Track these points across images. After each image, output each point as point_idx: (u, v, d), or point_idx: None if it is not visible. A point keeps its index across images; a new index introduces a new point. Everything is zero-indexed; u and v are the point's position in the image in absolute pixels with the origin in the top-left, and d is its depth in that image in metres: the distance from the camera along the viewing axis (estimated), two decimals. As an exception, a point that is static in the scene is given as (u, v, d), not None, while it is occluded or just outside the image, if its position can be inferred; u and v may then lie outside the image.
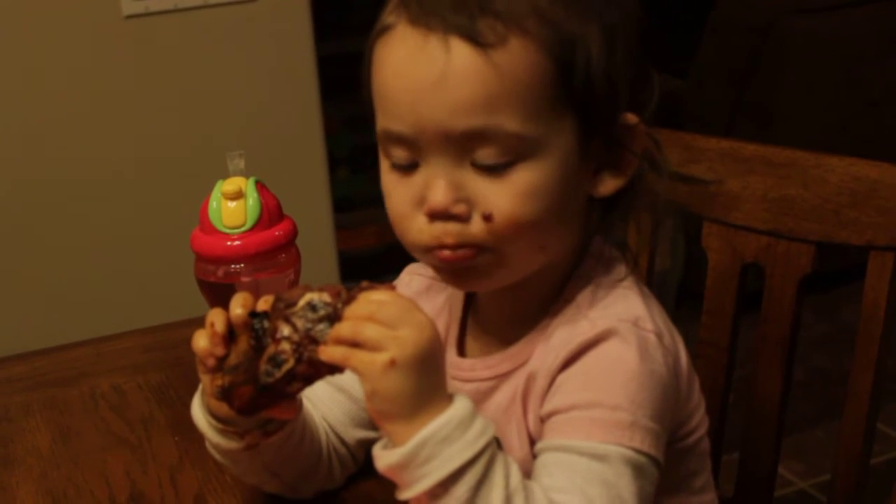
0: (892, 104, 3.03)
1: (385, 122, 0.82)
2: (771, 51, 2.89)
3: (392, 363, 0.73)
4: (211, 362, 0.82)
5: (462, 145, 0.79)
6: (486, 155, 0.79)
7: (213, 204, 1.09)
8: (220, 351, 0.81)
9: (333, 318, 0.76)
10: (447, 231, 0.81)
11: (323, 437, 0.96)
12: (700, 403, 0.92)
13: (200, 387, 0.88)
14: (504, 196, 0.80)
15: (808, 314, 3.08)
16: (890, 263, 1.07)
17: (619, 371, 0.81)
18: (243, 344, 0.79)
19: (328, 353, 0.75)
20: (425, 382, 0.74)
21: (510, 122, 0.78)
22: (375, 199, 0.86)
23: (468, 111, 0.78)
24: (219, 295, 1.12)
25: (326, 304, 0.76)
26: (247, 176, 1.11)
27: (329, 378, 0.95)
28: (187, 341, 1.27)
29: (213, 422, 0.88)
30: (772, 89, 2.90)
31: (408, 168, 0.82)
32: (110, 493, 1.01)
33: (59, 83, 2.02)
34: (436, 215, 0.81)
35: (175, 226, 1.31)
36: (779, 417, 1.19)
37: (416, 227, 0.82)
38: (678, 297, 2.92)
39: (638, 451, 0.79)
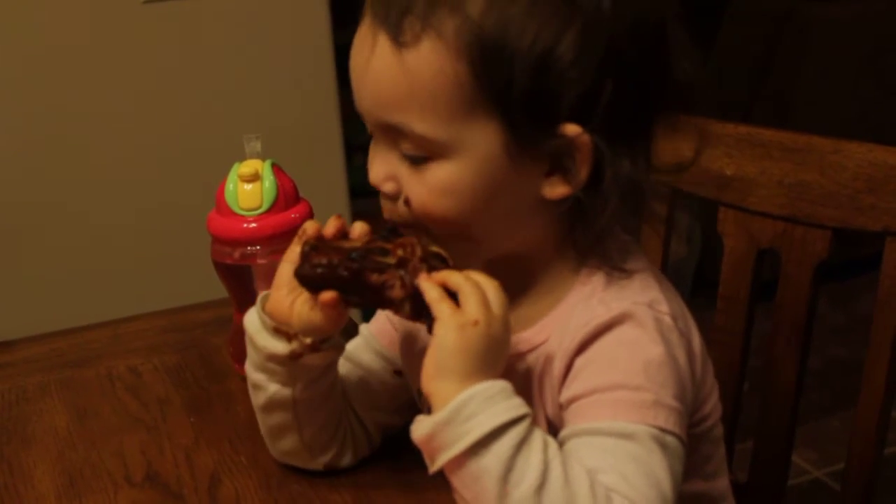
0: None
1: None
2: (790, 39, 2.88)
3: (476, 323, 0.77)
4: (312, 230, 0.86)
5: (386, 133, 0.83)
6: (405, 147, 0.83)
7: (229, 186, 1.09)
8: (328, 232, 0.86)
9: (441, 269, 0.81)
10: (384, 205, 0.87)
11: (343, 408, 0.98)
12: (714, 389, 0.93)
13: (260, 298, 0.92)
14: (419, 187, 0.83)
15: (824, 303, 3.08)
16: (906, 249, 1.06)
17: (638, 353, 0.81)
18: (354, 243, 0.85)
19: (427, 284, 0.80)
20: (488, 355, 0.78)
21: (417, 124, 0.81)
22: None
23: (381, 106, 0.82)
24: (235, 277, 1.13)
25: (449, 265, 0.82)
26: (263, 159, 1.11)
27: (352, 359, 0.97)
28: (203, 324, 1.31)
29: (267, 320, 0.90)
30: (791, 77, 2.89)
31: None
32: (126, 473, 1.01)
33: (78, 68, 2.03)
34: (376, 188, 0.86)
35: (192, 208, 1.31)
36: (794, 405, 1.19)
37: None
38: (694, 285, 2.91)
39: (663, 430, 0.79)
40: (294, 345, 0.90)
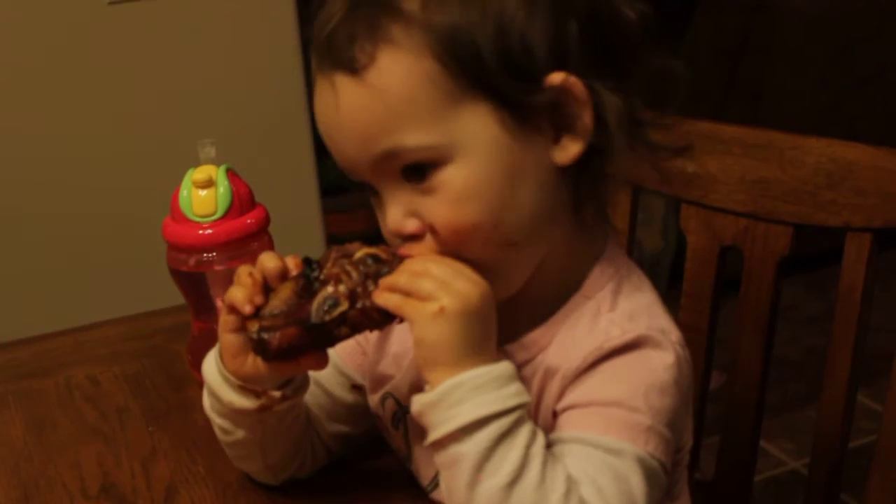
0: (884, 83, 3.01)
1: None
2: (762, 29, 2.88)
3: (441, 311, 0.75)
4: (249, 309, 0.82)
5: (383, 168, 0.79)
6: (407, 171, 0.79)
7: (183, 192, 1.08)
8: (259, 299, 0.83)
9: (387, 273, 0.79)
10: (411, 249, 0.81)
11: (306, 429, 0.97)
12: (691, 417, 0.91)
13: (217, 347, 0.89)
14: (438, 206, 0.79)
15: (801, 293, 3.09)
16: (867, 244, 1.06)
17: (646, 376, 0.80)
18: (285, 292, 0.81)
19: (384, 298, 0.78)
20: (471, 335, 0.76)
21: (409, 138, 0.77)
22: (366, 183, 0.88)
23: (366, 141, 0.78)
24: (192, 284, 1.12)
25: (383, 260, 0.79)
26: (218, 164, 1.10)
27: (311, 374, 0.95)
28: (164, 330, 1.30)
29: (232, 378, 0.88)
30: (763, 68, 2.89)
31: (375, 194, 0.83)
32: (82, 485, 1.00)
33: (41, 69, 2.01)
34: (400, 237, 0.81)
35: (151, 214, 1.30)
36: (758, 400, 1.19)
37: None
38: (670, 277, 2.91)
39: (651, 456, 0.79)
40: (263, 400, 0.88)
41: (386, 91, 0.77)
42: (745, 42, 2.90)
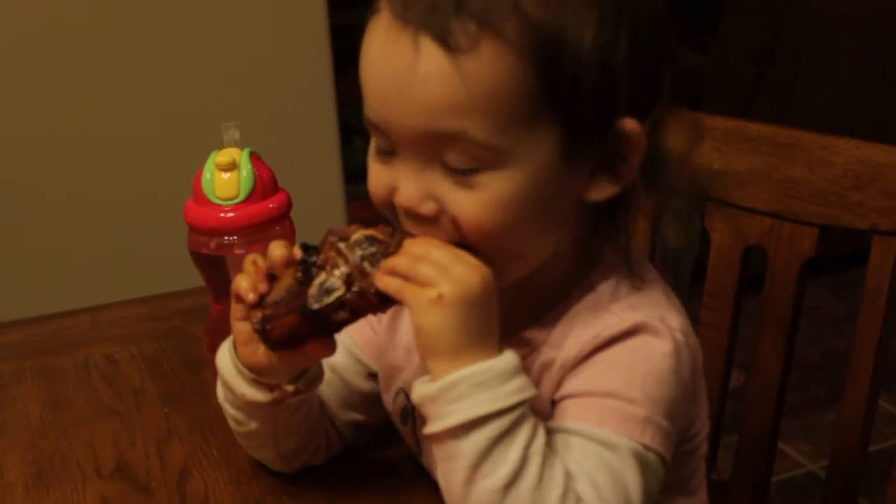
0: (915, 83, 2.99)
1: (365, 108, 0.80)
2: (792, 28, 2.85)
3: (440, 297, 0.74)
4: (252, 297, 0.82)
5: (429, 145, 0.76)
6: (453, 159, 0.76)
7: (206, 175, 1.07)
8: (263, 287, 0.82)
9: (385, 254, 0.78)
10: (417, 228, 0.79)
11: (320, 417, 0.96)
12: (705, 406, 0.91)
13: (231, 338, 0.88)
14: (471, 204, 0.77)
15: (826, 294, 3.07)
16: (893, 248, 1.05)
17: (643, 365, 0.79)
18: (287, 280, 0.81)
19: (384, 281, 0.76)
20: (471, 323, 0.75)
21: (476, 131, 0.74)
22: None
23: (431, 114, 0.74)
24: (212, 267, 1.11)
25: (381, 241, 0.78)
26: (242, 147, 1.09)
27: (328, 362, 0.95)
28: (183, 312, 1.30)
29: (245, 371, 0.87)
30: (792, 66, 2.87)
31: (388, 154, 0.80)
32: (96, 464, 1.00)
33: (55, 48, 2.00)
34: (405, 212, 0.79)
35: (173, 196, 1.29)
36: (778, 401, 1.18)
37: (393, 216, 0.81)
38: (693, 275, 2.89)
39: (647, 448, 0.78)
40: (276, 394, 0.88)
41: (477, 81, 0.73)
42: (775, 41, 2.88)
